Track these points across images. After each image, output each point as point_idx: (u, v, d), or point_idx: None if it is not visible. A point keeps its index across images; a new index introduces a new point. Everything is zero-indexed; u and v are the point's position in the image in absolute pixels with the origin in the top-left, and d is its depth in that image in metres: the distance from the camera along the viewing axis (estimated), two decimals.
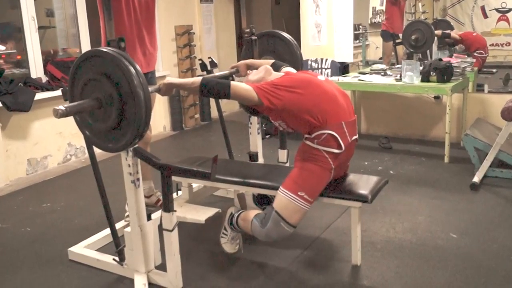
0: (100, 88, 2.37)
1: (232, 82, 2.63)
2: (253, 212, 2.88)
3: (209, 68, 3.77)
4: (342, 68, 5.97)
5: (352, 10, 5.82)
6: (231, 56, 7.51)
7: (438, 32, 6.09)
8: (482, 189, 4.06)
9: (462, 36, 6.32)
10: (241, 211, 2.98)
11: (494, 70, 6.33)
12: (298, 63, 3.66)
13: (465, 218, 3.56)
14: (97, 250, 3.21)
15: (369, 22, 6.79)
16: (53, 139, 5.10)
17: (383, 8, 7.24)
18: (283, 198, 2.68)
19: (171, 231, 2.65)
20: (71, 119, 2.56)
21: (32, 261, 3.17)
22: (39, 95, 4.85)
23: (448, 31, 6.27)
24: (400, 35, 6.24)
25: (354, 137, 2.78)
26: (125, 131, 2.38)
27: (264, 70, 2.90)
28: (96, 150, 2.81)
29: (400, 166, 4.75)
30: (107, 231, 3.33)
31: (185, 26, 6.48)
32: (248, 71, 3.19)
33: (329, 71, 5.92)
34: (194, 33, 6.64)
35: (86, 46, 5.62)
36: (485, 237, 3.26)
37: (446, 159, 4.78)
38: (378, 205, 3.71)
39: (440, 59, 5.07)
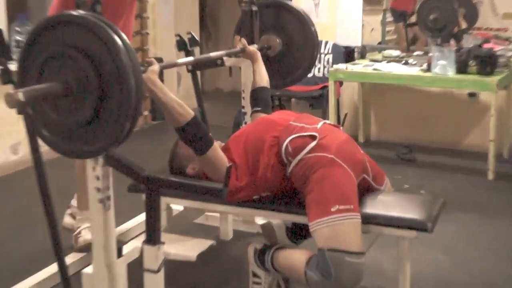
0: (70, 68, 2.16)
1: (215, 144, 2.71)
2: (296, 254, 2.72)
3: (189, 47, 3.62)
4: (347, 54, 5.91)
5: None
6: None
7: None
8: None
9: None
10: (275, 247, 2.82)
11: None
12: (314, 46, 3.66)
13: None
14: None
15: None
16: None
17: None
18: (322, 231, 2.55)
19: (156, 272, 2.47)
20: None
21: None
22: None
23: None
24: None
25: (321, 123, 2.86)
26: (104, 127, 2.18)
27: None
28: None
29: (431, 184, 4.73)
30: (44, 273, 3.16)
31: None
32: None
33: (330, 57, 5.86)
34: (147, 2, 6.45)
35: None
36: None
37: (490, 175, 4.79)
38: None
39: (480, 45, 5.06)
